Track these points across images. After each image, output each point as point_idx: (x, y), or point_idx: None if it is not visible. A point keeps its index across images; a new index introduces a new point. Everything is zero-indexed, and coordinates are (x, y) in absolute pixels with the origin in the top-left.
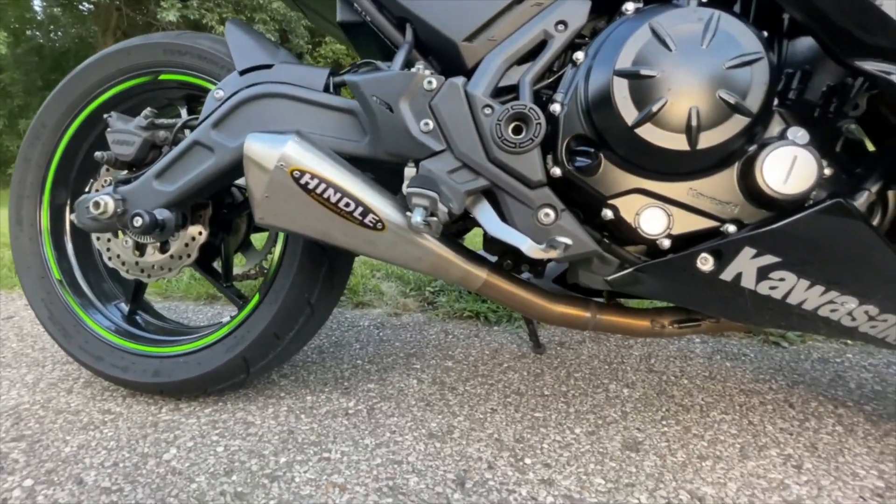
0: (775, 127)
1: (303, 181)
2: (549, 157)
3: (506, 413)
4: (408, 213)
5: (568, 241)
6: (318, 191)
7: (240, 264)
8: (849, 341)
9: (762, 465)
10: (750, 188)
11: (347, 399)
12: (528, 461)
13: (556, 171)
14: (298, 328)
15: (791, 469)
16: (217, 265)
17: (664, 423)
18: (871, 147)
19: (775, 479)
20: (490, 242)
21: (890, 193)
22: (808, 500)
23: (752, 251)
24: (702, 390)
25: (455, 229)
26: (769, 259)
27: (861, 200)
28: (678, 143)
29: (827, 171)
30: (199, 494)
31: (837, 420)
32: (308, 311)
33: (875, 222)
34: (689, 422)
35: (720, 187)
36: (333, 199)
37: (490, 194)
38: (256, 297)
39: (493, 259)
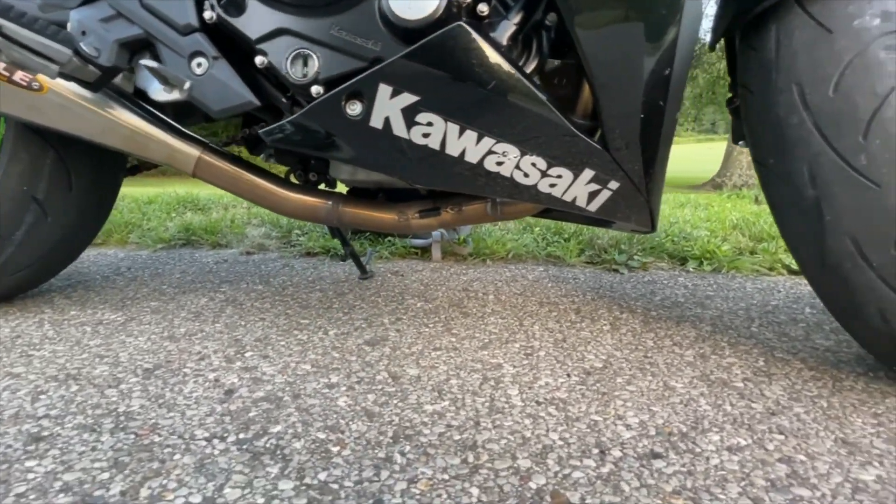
0: None
1: None
2: (208, 2)
3: (271, 321)
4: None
5: (153, 63)
6: None
7: None
8: (689, 268)
9: (493, 354)
10: (385, 20)
11: (114, 313)
12: (248, 355)
13: (209, 15)
14: (28, 229)
15: (520, 357)
16: None
17: (430, 326)
18: None
19: (494, 363)
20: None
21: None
22: (509, 377)
23: (388, 88)
24: (499, 303)
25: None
26: (408, 98)
27: (500, 30)
28: None
29: (484, 7)
30: None
31: (612, 323)
32: (36, 209)
33: (531, 68)
34: (458, 326)
35: (362, 22)
36: None
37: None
38: None
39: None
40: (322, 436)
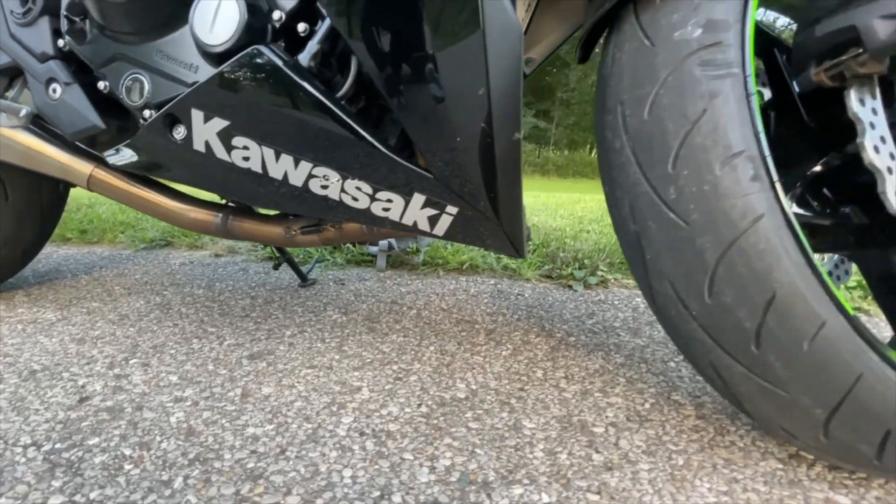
0: None
1: None
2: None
3: (182, 327)
4: None
5: None
6: None
7: None
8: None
9: (363, 376)
10: (198, 45)
11: (54, 312)
12: (132, 362)
13: (62, 43)
14: None
15: (387, 381)
16: None
17: (326, 341)
18: None
19: (355, 386)
20: None
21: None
22: (356, 403)
23: (200, 113)
24: (416, 319)
25: None
26: (220, 122)
27: (305, 52)
28: None
29: (304, 27)
30: None
31: (516, 348)
32: None
33: (346, 90)
34: (353, 343)
35: (181, 48)
36: None
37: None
38: None
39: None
40: (128, 452)
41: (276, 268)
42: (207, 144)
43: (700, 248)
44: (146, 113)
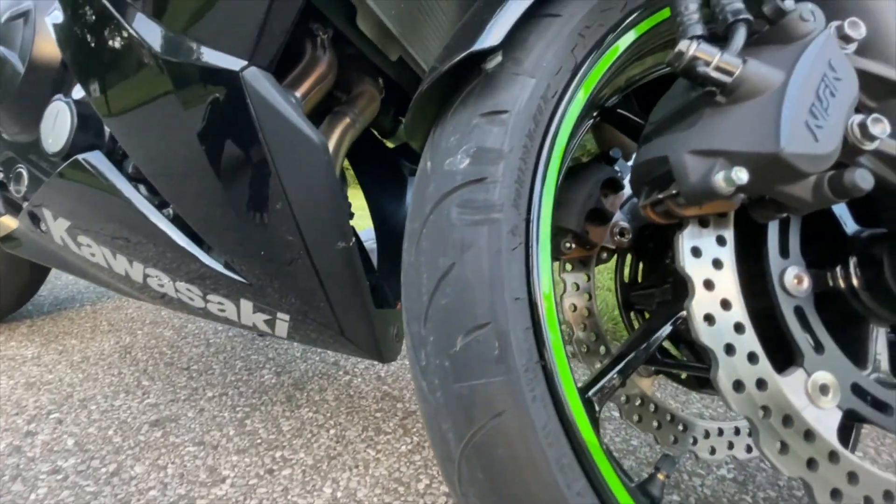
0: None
1: None
2: None
3: (120, 378)
4: None
5: None
6: None
7: None
8: None
9: (237, 463)
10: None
11: (36, 349)
12: (52, 416)
13: None
14: None
15: (255, 472)
16: None
17: (237, 410)
18: None
19: (221, 474)
20: None
21: None
22: (214, 502)
23: (49, 212)
24: (344, 389)
25: None
26: (64, 221)
27: (129, 159)
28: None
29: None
30: None
31: (418, 445)
32: None
33: None
34: (258, 417)
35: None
36: None
37: None
38: None
39: None
40: None
41: None
42: (62, 239)
43: (445, 434)
44: (25, 205)
